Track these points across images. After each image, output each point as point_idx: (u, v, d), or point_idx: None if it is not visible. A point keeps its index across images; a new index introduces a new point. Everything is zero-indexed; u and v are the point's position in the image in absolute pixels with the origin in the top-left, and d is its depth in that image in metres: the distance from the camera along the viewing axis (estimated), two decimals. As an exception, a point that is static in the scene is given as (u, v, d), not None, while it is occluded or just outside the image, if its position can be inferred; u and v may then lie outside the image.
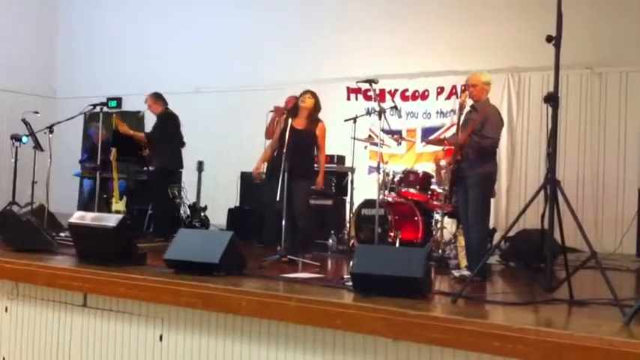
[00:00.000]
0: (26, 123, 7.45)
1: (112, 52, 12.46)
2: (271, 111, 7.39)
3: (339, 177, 7.89)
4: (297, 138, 6.30)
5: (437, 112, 9.62)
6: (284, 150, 5.97)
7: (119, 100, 12.57)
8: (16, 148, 8.29)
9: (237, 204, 8.50)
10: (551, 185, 3.75)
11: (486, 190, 5.27)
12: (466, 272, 4.95)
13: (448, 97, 9.55)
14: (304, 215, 6.28)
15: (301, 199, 6.31)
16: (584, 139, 8.54)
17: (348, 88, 9.99)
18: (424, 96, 9.68)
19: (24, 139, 8.16)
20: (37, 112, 7.31)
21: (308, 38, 10.13)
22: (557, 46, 3.81)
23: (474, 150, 5.18)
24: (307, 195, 6.51)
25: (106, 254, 4.92)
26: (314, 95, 6.39)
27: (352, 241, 6.79)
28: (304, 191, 6.37)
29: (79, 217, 5.13)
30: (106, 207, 7.88)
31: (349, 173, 7.69)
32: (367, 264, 4.01)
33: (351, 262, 4.15)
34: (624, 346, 2.98)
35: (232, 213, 8.37)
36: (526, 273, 5.14)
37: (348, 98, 10.08)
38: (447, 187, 5.94)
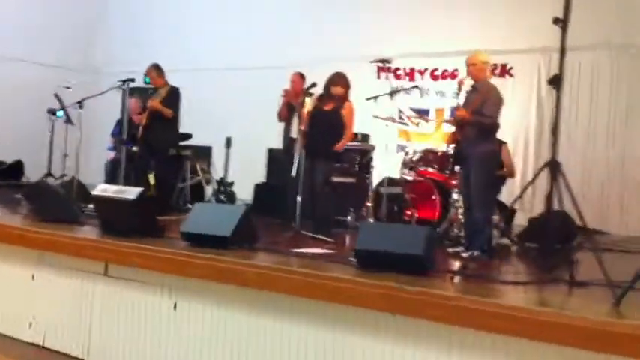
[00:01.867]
0: (58, 97, 7.67)
1: (150, 29, 12.68)
2: (282, 95, 7.50)
3: (363, 155, 7.97)
4: (324, 118, 6.43)
5: (466, 91, 9.59)
6: (302, 129, 6.12)
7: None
8: (52, 122, 8.56)
9: (264, 180, 8.67)
10: (551, 167, 3.78)
11: (488, 169, 5.30)
12: (475, 252, 5.01)
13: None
14: (325, 194, 6.40)
15: (323, 177, 6.43)
16: (613, 119, 8.46)
17: (378, 66, 10.03)
18: (454, 75, 9.66)
19: (59, 113, 8.42)
20: (69, 87, 7.53)
21: (337, 15, 10.17)
22: (564, 29, 3.83)
23: (474, 129, 5.23)
24: (329, 174, 6.62)
25: (126, 226, 5.09)
26: (345, 84, 6.45)
27: (371, 218, 6.88)
28: (326, 170, 6.49)
29: (101, 189, 5.32)
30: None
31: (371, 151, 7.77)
32: (371, 241, 4.12)
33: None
34: (606, 325, 3.04)
35: (258, 189, 8.53)
36: (537, 254, 5.16)
37: (379, 77, 10.13)
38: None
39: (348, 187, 7.67)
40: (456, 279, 4.00)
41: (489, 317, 3.29)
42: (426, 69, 9.78)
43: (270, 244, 5.11)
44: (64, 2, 12.43)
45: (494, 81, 9.07)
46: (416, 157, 6.76)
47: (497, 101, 5.41)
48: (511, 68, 9.28)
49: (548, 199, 3.90)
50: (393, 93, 6.13)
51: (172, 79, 8.11)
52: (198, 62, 11.33)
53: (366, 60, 9.12)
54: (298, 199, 5.87)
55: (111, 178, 8.27)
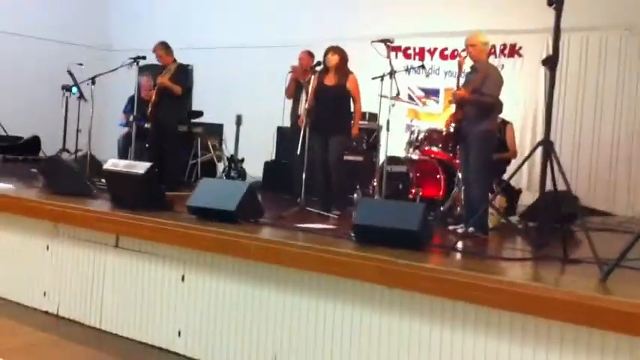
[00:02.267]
0: (71, 74, 7.85)
1: (163, 7, 12.82)
2: (290, 72, 7.62)
3: (370, 134, 8.10)
4: (328, 94, 6.54)
5: (466, 72, 9.67)
6: (306, 107, 6.25)
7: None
8: (66, 97, 8.76)
9: (274, 157, 8.83)
10: (545, 147, 3.89)
11: (486, 148, 5.41)
12: (471, 229, 5.13)
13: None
14: (339, 170, 6.54)
15: (336, 153, 6.56)
16: (621, 99, 8.52)
17: (387, 45, 10.08)
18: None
19: (73, 89, 8.61)
20: (81, 64, 7.70)
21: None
22: (559, 10, 3.92)
23: (474, 108, 5.34)
24: (342, 150, 6.74)
25: (135, 200, 5.27)
26: (337, 51, 6.58)
27: (376, 196, 7.01)
28: (339, 146, 6.61)
29: (112, 164, 5.50)
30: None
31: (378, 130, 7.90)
32: (369, 216, 4.27)
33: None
34: (588, 299, 3.17)
35: (268, 166, 8.70)
36: (534, 233, 5.28)
37: (388, 56, 10.17)
38: None
39: (356, 165, 7.82)
40: (449, 254, 4.13)
41: (471, 289, 3.44)
42: (435, 48, 9.85)
43: (274, 220, 5.27)
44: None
45: (504, 61, 9.36)
46: (421, 136, 6.87)
47: (497, 81, 5.50)
48: (520, 48, 9.32)
49: (542, 178, 4.00)
50: (392, 73, 6.21)
51: (184, 58, 8.23)
52: (212, 40, 11.46)
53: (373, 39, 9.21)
54: (303, 175, 6.01)
55: (123, 154, 8.47)
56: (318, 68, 6.62)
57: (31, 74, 10.91)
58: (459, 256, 4.21)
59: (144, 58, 7.25)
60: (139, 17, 13.02)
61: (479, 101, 5.37)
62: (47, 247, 5.68)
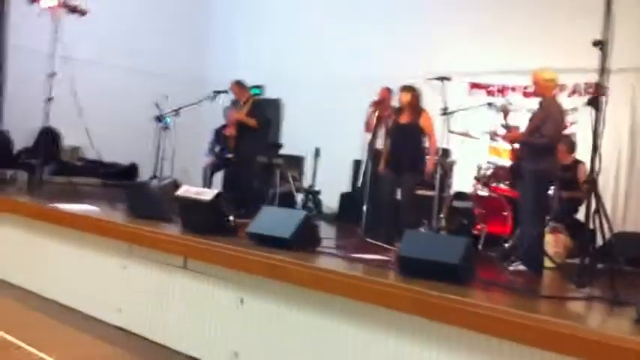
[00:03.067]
0: (157, 106, 8.37)
1: (258, 43, 13.38)
2: (370, 106, 7.83)
3: (444, 169, 8.14)
4: (401, 132, 6.75)
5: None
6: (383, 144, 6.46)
7: (262, 88, 13.48)
8: (160, 127, 9.30)
9: (350, 190, 9.03)
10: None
11: (540, 187, 5.38)
12: (521, 267, 5.11)
13: (570, 95, 9.46)
14: (409, 205, 6.68)
15: (408, 190, 6.72)
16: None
17: (470, 83, 10.16)
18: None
19: (167, 119, 9.13)
20: (167, 97, 8.21)
21: (422, 34, 10.41)
22: (605, 51, 3.94)
23: (530, 148, 5.34)
24: (413, 186, 6.89)
25: (202, 224, 5.59)
26: (409, 90, 6.77)
27: (443, 232, 7.07)
28: (410, 183, 6.78)
29: (184, 190, 5.85)
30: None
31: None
32: (412, 249, 4.37)
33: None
34: (611, 339, 3.16)
35: (344, 197, 8.90)
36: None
37: (470, 93, 10.23)
38: None
39: (427, 200, 7.88)
40: (491, 290, 4.17)
41: (499, 324, 3.48)
42: (516, 87, 9.80)
43: (330, 248, 5.44)
44: (173, 18, 13.34)
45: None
46: (488, 173, 6.89)
47: (558, 120, 5.49)
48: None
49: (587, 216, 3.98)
50: (445, 111, 6.32)
51: (279, 91, 8.52)
52: (299, 74, 11.86)
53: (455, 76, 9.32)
54: (364, 207, 6.18)
55: (207, 182, 8.94)
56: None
57: (132, 105, 11.57)
58: (499, 292, 4.22)
59: (225, 92, 7.67)
60: (234, 52, 13.64)
61: (531, 142, 5.37)
62: (124, 267, 6.04)
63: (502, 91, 9.95)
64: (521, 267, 5.15)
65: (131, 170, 11.99)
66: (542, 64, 9.34)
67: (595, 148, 3.99)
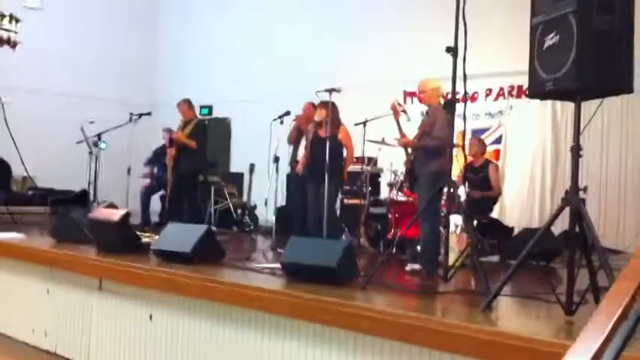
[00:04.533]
0: (82, 130, 8.52)
1: (205, 64, 13.62)
2: (293, 120, 8.07)
3: (372, 177, 8.37)
4: (321, 145, 6.97)
5: (485, 114, 9.85)
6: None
7: (210, 108, 13.72)
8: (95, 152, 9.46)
9: (284, 203, 9.22)
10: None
11: (434, 187, 5.55)
12: (417, 266, 5.30)
13: (496, 99, 9.76)
14: (329, 213, 6.89)
15: (329, 200, 6.92)
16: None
17: (404, 91, 10.42)
18: (474, 98, 9.92)
19: (101, 144, 9.28)
20: (92, 122, 8.36)
21: (354, 42, 10.69)
22: (455, 56, 4.17)
23: (422, 151, 5.56)
24: (334, 195, 7.12)
25: (115, 244, 5.74)
26: (324, 106, 7.00)
27: (362, 237, 7.28)
28: (331, 193, 6.98)
29: (97, 212, 6.02)
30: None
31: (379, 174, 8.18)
32: (295, 254, 4.55)
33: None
34: (454, 328, 3.35)
35: (279, 211, 9.07)
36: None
37: (405, 101, 10.48)
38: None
39: (356, 208, 8.09)
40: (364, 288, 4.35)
41: (363, 320, 3.67)
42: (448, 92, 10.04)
43: (238, 261, 5.61)
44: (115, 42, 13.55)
45: (513, 101, 9.49)
46: (401, 178, 7.11)
47: (445, 126, 5.69)
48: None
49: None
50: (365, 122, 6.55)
51: (227, 111, 8.61)
52: (241, 94, 12.11)
53: (388, 84, 9.57)
54: (273, 218, 6.38)
55: (145, 203, 9.12)
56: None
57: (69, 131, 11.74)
58: (377, 290, 4.41)
59: (149, 114, 7.86)
60: (183, 72, 13.90)
61: (424, 145, 5.60)
62: (47, 291, 6.14)
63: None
64: (417, 266, 5.34)
65: (81, 197, 12.09)
66: (470, 71, 9.71)
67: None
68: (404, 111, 6.84)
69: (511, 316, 4.01)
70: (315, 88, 10.58)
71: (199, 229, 5.37)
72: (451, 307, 4.02)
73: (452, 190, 5.02)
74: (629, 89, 3.57)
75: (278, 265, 4.84)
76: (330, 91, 6.27)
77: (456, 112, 4.68)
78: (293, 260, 4.52)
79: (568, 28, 3.51)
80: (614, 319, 1.92)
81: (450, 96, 4.50)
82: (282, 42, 12.15)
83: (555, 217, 3.66)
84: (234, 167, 12.21)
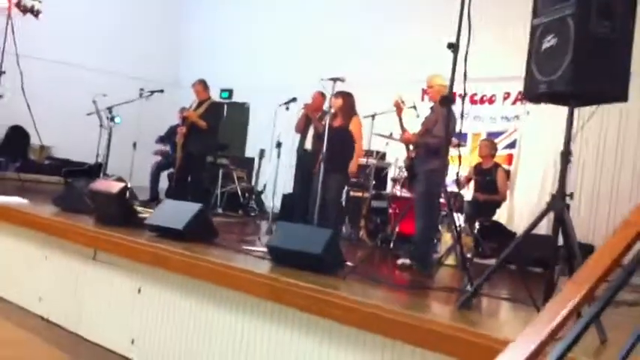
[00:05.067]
0: (94, 103, 8.57)
1: (228, 49, 13.70)
2: (302, 108, 8.05)
3: (378, 171, 8.35)
4: (333, 135, 6.95)
5: (502, 117, 9.75)
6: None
7: (230, 92, 13.77)
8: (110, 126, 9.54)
9: (291, 190, 9.22)
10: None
11: (431, 186, 5.53)
12: (407, 261, 5.29)
13: (514, 103, 9.65)
14: (333, 206, 6.89)
15: (333, 190, 6.92)
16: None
17: (423, 88, 10.34)
18: (491, 100, 9.84)
19: (117, 119, 9.35)
20: (105, 95, 8.39)
21: (379, 39, 10.64)
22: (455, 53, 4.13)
23: (423, 148, 5.52)
24: (340, 187, 7.11)
25: (112, 216, 5.80)
26: (341, 95, 6.97)
27: (361, 231, 7.26)
28: (336, 183, 6.98)
29: (97, 183, 6.07)
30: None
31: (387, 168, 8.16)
32: (282, 239, 4.56)
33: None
34: (427, 323, 3.35)
35: (285, 198, 9.09)
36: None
37: (422, 99, 10.41)
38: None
39: (360, 201, 8.09)
40: (352, 280, 4.34)
41: (336, 308, 3.68)
42: (466, 93, 9.96)
43: (228, 242, 5.63)
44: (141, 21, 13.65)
45: (530, 107, 9.36)
46: (404, 174, 7.08)
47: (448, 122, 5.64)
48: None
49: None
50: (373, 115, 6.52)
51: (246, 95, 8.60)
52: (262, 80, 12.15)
53: (410, 82, 9.52)
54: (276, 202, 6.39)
55: (154, 180, 9.19)
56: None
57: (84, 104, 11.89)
58: (359, 282, 4.40)
59: (161, 91, 7.90)
60: (207, 56, 13.98)
61: (425, 143, 5.56)
62: (46, 257, 6.23)
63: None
64: (407, 261, 5.32)
65: (95, 169, 12.21)
66: (489, 74, 9.65)
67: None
68: (413, 107, 6.85)
69: (485, 315, 3.97)
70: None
71: (193, 207, 5.39)
72: (427, 303, 4.01)
73: (446, 191, 5.00)
74: (623, 98, 3.52)
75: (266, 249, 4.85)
76: (335, 79, 6.24)
77: (458, 112, 4.60)
78: (278, 244, 4.54)
79: (566, 31, 3.47)
80: (558, 318, 1.94)
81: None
82: (305, 31, 12.13)
83: (538, 221, 3.62)
84: (249, 152, 12.23)
